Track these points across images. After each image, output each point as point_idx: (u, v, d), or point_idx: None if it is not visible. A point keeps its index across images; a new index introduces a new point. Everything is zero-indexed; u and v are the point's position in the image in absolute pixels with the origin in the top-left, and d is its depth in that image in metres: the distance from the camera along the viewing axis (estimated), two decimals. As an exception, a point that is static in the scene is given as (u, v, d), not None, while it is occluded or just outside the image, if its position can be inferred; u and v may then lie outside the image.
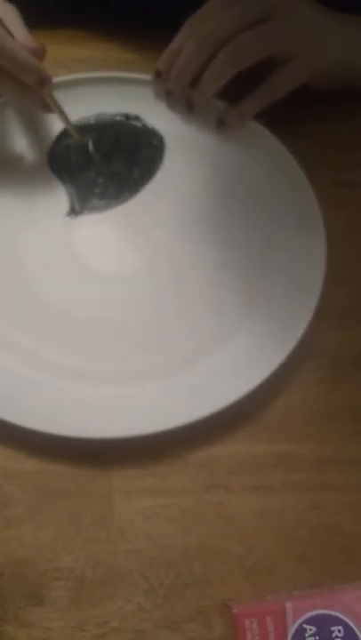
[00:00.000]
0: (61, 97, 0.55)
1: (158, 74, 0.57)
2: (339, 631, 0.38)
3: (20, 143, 0.56)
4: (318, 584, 0.43)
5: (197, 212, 0.54)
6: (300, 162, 0.56)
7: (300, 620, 0.38)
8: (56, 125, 0.57)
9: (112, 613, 0.42)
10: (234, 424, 0.48)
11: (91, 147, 0.56)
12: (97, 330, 0.50)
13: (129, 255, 0.53)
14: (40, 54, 0.51)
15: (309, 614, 0.38)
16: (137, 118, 0.57)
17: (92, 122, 0.57)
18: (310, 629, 0.38)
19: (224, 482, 0.46)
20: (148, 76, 0.58)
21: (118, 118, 0.57)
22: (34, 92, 0.52)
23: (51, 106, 0.54)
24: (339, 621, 0.38)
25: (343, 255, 0.54)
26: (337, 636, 0.38)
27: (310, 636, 0.38)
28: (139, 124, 0.57)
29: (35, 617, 0.42)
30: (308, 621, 0.38)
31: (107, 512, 0.45)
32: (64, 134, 0.56)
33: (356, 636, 0.38)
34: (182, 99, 0.57)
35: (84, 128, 0.57)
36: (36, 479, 0.46)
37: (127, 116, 0.58)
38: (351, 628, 0.38)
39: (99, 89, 0.58)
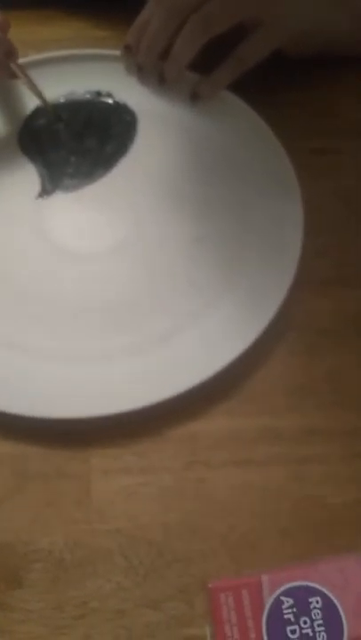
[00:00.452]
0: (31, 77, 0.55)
1: (128, 48, 0.56)
2: (317, 602, 0.37)
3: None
4: (303, 558, 0.42)
5: (172, 186, 0.53)
6: (277, 132, 0.55)
7: (276, 593, 0.37)
8: (26, 106, 0.56)
9: (91, 594, 0.42)
10: (214, 399, 0.47)
11: (62, 125, 0.55)
12: (71, 309, 0.49)
13: (103, 233, 0.52)
14: (3, 28, 0.51)
15: (286, 586, 0.37)
16: (109, 95, 0.57)
17: (62, 100, 0.56)
18: (287, 601, 0.37)
19: (205, 458, 0.45)
20: (118, 52, 0.57)
21: (89, 96, 0.57)
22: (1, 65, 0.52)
23: (18, 75, 0.53)
24: (317, 592, 0.37)
25: (324, 225, 0.53)
26: (315, 607, 0.37)
27: (288, 608, 0.37)
28: (110, 101, 0.56)
29: (14, 600, 0.42)
30: (285, 593, 0.37)
31: (85, 492, 0.44)
32: (34, 114, 0.56)
33: (335, 606, 0.37)
34: (154, 72, 0.56)
35: (56, 107, 0.56)
36: (13, 462, 0.45)
37: (99, 93, 0.57)
38: (330, 598, 0.37)
39: (69, 67, 0.57)
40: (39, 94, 0.54)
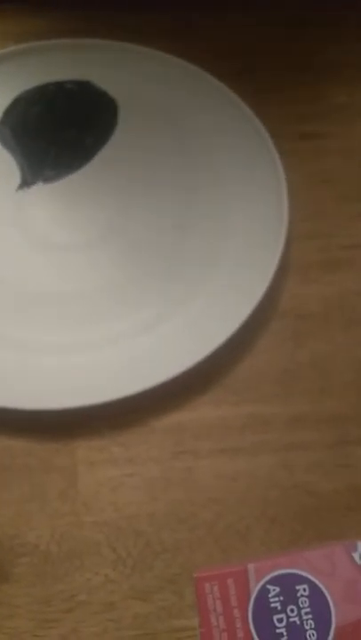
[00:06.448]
0: (9, 68, 0.54)
1: None
2: (304, 590, 0.36)
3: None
4: (292, 545, 0.42)
5: (154, 174, 0.53)
6: (261, 117, 0.54)
7: (262, 581, 0.36)
8: (3, 99, 0.55)
9: (79, 587, 0.41)
10: (200, 388, 0.47)
11: (41, 116, 0.55)
12: (54, 300, 0.48)
13: (85, 223, 0.51)
14: None
15: (273, 574, 0.37)
16: (88, 84, 0.56)
17: (40, 91, 0.55)
18: (274, 590, 0.36)
19: (191, 447, 0.45)
20: (96, 41, 0.56)
21: (68, 86, 0.56)
22: None
23: None
24: (304, 580, 0.37)
25: (310, 210, 0.53)
26: (302, 595, 0.36)
27: (274, 596, 0.36)
28: (90, 90, 0.56)
29: (0, 595, 0.41)
30: (272, 581, 0.37)
31: (71, 485, 0.44)
32: (12, 107, 0.55)
33: (323, 593, 0.36)
34: None
35: (34, 98, 0.55)
36: (-3, 456, 0.45)
37: (77, 83, 0.56)
38: (317, 585, 0.36)
39: (47, 57, 0.56)
40: None
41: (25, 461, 0.44)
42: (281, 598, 0.36)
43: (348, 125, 0.57)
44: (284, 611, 0.36)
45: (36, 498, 0.44)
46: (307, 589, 0.37)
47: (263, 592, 0.36)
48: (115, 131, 0.54)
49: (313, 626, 0.36)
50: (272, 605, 0.36)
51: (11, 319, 0.48)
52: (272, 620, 0.36)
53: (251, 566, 0.37)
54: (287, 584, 0.37)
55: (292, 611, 0.36)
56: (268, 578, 0.37)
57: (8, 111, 0.55)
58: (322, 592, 0.36)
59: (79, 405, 0.44)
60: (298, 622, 0.36)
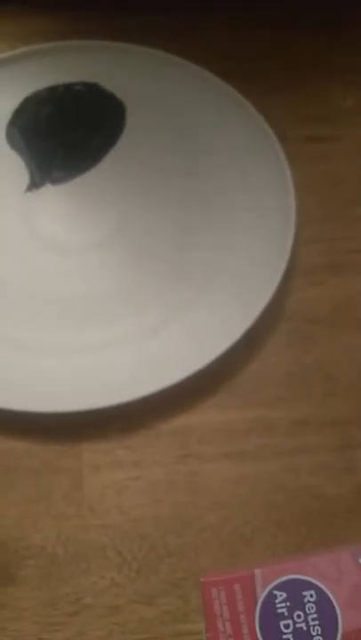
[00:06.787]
0: (19, 69, 0.55)
1: None
2: (311, 596, 0.36)
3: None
4: (298, 550, 0.42)
5: (161, 176, 0.53)
6: (268, 119, 0.54)
7: (269, 587, 0.36)
8: (12, 100, 0.55)
9: (85, 590, 0.41)
10: (206, 391, 0.47)
11: (50, 118, 0.55)
12: (60, 302, 0.48)
13: (93, 225, 0.51)
14: None
15: (279, 580, 0.37)
16: (96, 86, 0.56)
17: (49, 92, 0.55)
18: (281, 595, 0.36)
19: (197, 451, 0.45)
20: (105, 43, 0.56)
21: (77, 87, 0.56)
22: None
23: None
24: (310, 586, 0.37)
25: (316, 213, 0.53)
26: (309, 601, 0.36)
27: (281, 602, 0.36)
28: (97, 92, 0.56)
29: (6, 597, 0.41)
30: (279, 587, 0.36)
31: (76, 487, 0.44)
32: (21, 109, 0.55)
33: (329, 599, 0.36)
34: None
35: (44, 99, 0.55)
36: (2, 457, 0.45)
37: (86, 85, 0.56)
38: (323, 591, 0.36)
39: (55, 59, 0.56)
40: None
41: (31, 463, 0.44)
42: (288, 604, 0.36)
43: (354, 128, 0.57)
44: (290, 616, 0.36)
45: (41, 500, 0.43)
46: (313, 595, 0.36)
47: (270, 598, 0.36)
48: (123, 132, 0.54)
49: (320, 632, 0.36)
50: (279, 611, 0.36)
51: (15, 320, 0.48)
52: (279, 626, 0.36)
53: (257, 572, 0.37)
54: (294, 590, 0.37)
55: (298, 616, 0.36)
56: (274, 583, 0.37)
57: (17, 112, 0.55)
58: (328, 598, 0.36)
59: (84, 409, 0.44)
60: (304, 628, 0.36)
